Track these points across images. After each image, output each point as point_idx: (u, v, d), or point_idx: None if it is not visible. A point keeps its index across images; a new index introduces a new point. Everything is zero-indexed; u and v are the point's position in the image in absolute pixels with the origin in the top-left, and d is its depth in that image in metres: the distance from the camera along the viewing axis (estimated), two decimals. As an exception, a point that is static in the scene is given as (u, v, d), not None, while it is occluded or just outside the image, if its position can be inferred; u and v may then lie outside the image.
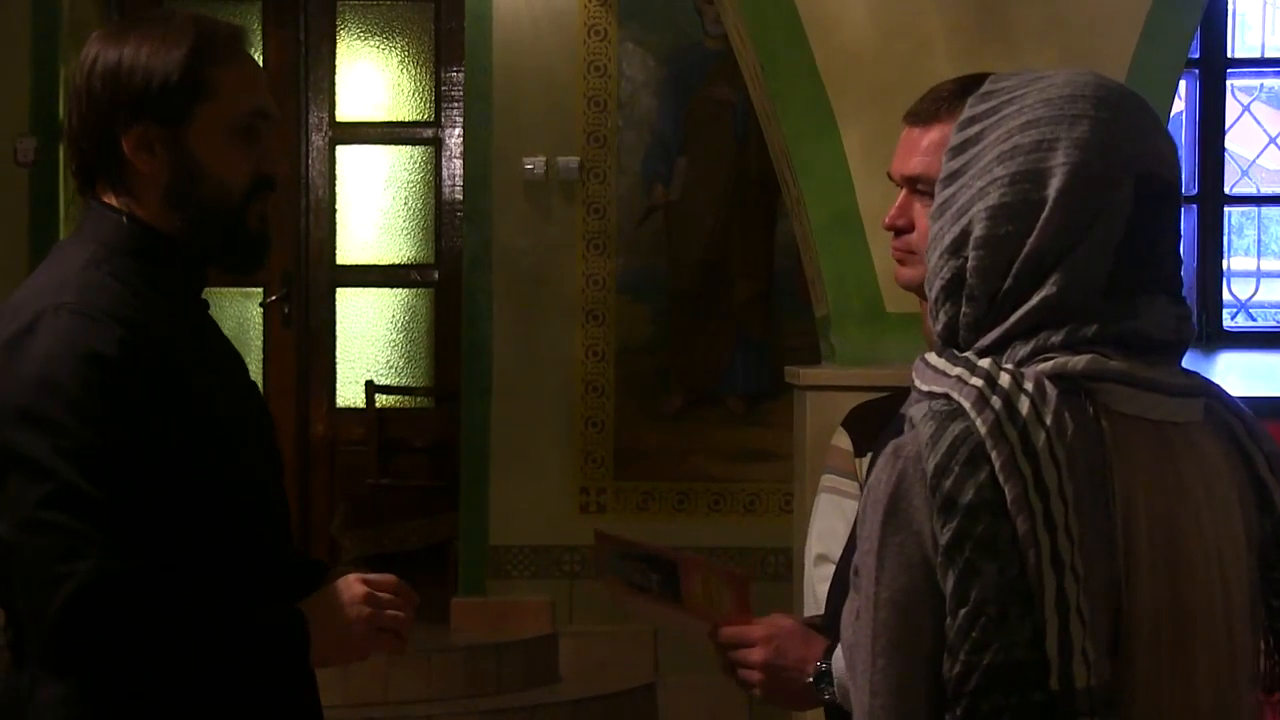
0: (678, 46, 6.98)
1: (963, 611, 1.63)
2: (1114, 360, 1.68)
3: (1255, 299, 6.85)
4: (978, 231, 1.71)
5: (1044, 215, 1.70)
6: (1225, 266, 6.77)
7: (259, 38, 7.54)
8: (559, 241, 7.03)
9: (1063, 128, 1.71)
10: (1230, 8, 6.76)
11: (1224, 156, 6.73)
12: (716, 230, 6.97)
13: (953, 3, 4.56)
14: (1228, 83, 6.72)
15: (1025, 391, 1.66)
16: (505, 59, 6.97)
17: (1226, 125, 6.73)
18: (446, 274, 7.53)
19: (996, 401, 1.66)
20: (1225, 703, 1.68)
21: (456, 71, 7.41)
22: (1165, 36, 4.59)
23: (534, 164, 6.96)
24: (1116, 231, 1.71)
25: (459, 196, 7.39)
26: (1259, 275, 6.91)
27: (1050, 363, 1.68)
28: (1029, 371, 1.68)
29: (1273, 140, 6.83)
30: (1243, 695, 1.70)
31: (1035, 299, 1.70)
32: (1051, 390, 1.66)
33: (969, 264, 1.72)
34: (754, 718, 6.70)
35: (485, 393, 7.04)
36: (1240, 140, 6.83)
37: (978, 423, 1.66)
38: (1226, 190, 6.72)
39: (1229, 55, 6.76)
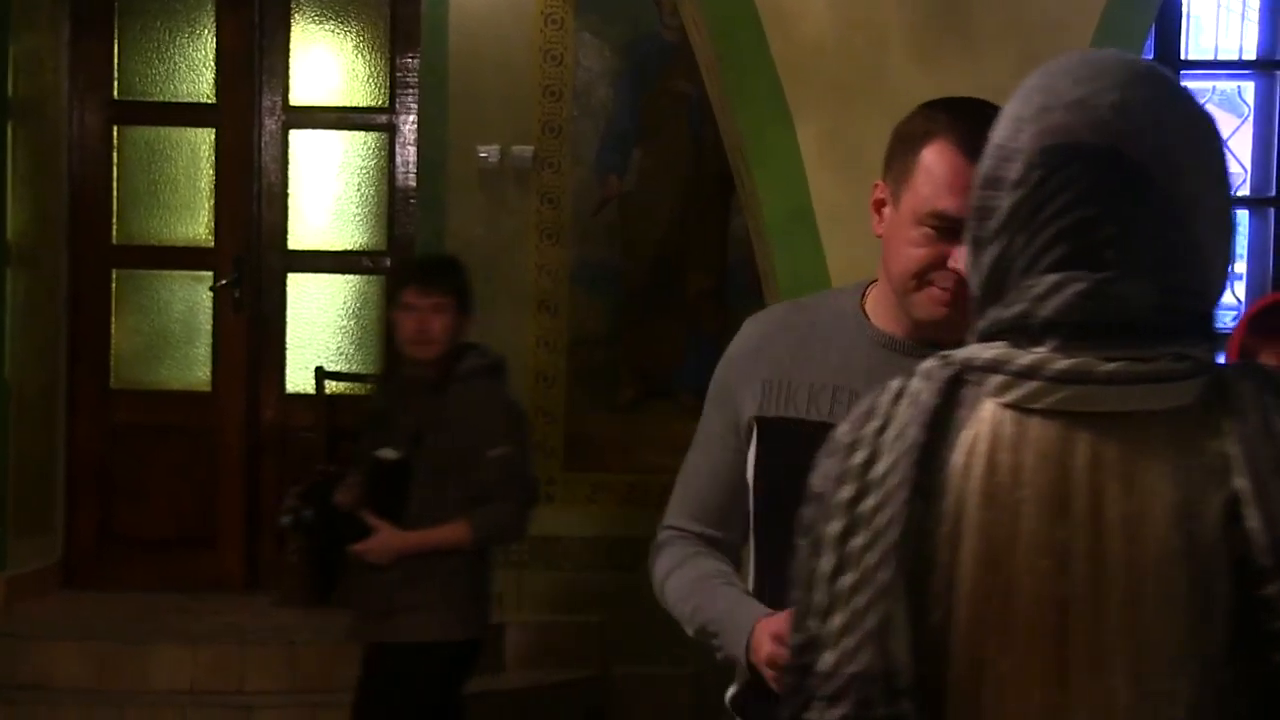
0: (635, 37, 6.97)
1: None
2: (995, 348, 1.62)
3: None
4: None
5: (973, 204, 1.68)
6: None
7: (213, 20, 7.49)
8: (513, 231, 7.01)
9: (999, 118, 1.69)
10: (1184, 9, 6.79)
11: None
12: (671, 223, 6.97)
13: (911, -1, 4.57)
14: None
15: (909, 385, 1.66)
16: (461, 46, 6.95)
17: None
18: (399, 261, 7.50)
19: (885, 396, 1.68)
20: None
21: (412, 58, 7.37)
22: (1121, 36, 4.60)
23: (489, 152, 6.94)
24: (1015, 209, 1.63)
25: (412, 183, 7.36)
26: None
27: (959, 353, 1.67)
28: (939, 364, 1.67)
29: (1224, 142, 6.86)
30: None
31: (974, 287, 1.68)
32: (929, 383, 1.65)
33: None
34: (699, 708, 6.70)
35: (436, 381, 7.00)
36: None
37: (858, 412, 1.69)
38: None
39: (1182, 57, 6.79)
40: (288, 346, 7.60)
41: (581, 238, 6.98)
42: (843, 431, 1.70)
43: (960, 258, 2.20)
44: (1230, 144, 6.86)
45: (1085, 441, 1.57)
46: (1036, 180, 1.61)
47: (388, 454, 4.93)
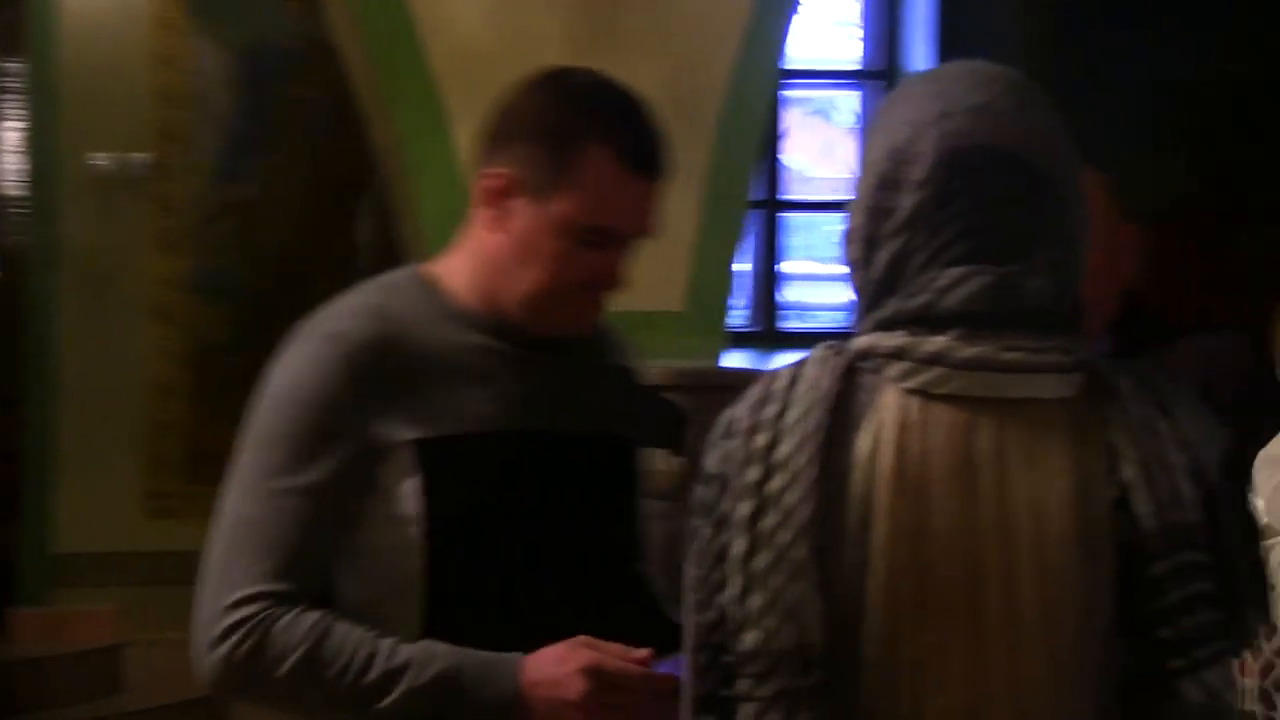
0: (256, 43, 6.88)
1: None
2: (896, 337, 1.71)
3: (809, 301, 7.22)
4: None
5: (860, 201, 1.76)
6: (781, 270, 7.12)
7: None
8: (129, 240, 6.84)
9: (881, 115, 1.80)
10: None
11: (778, 165, 7.04)
12: (295, 231, 6.90)
13: (566, 6, 4.67)
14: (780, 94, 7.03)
15: (803, 371, 1.74)
16: (73, 51, 6.74)
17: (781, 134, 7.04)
18: (7, 274, 7.21)
19: (779, 382, 1.74)
20: (1014, 693, 1.66)
21: (16, 62, 7.11)
22: (764, 45, 4.81)
23: (102, 160, 6.76)
24: (917, 208, 1.72)
25: (21, 192, 7.09)
26: (816, 279, 7.28)
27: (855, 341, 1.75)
28: (829, 351, 1.74)
29: (821, 151, 7.21)
30: (1054, 693, 1.66)
31: (861, 281, 1.76)
32: (825, 369, 1.72)
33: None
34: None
35: (50, 395, 6.79)
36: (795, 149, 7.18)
37: (751, 398, 1.75)
38: (782, 197, 7.03)
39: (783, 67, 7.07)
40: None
41: (201, 246, 6.86)
42: (738, 416, 1.76)
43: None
44: (835, 153, 7.20)
45: (989, 425, 1.66)
46: (941, 180, 1.71)
47: None
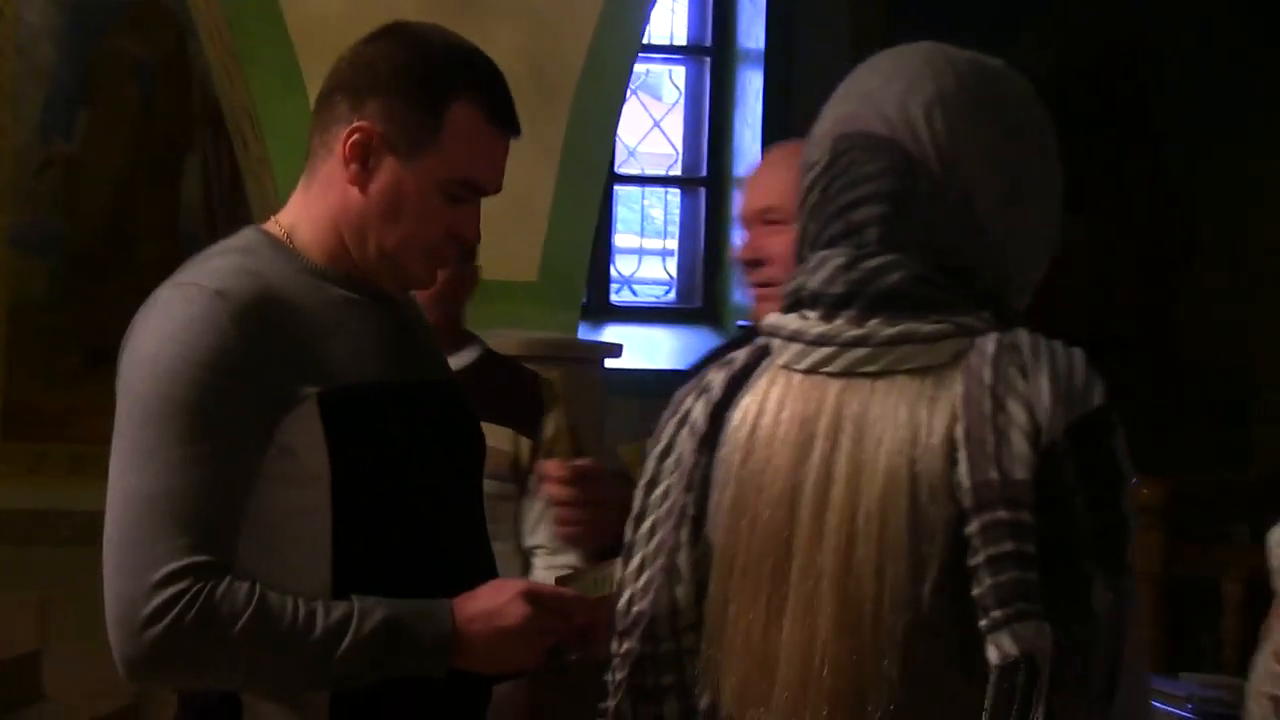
0: (82, -5, 6.73)
1: None
2: (778, 316, 1.81)
3: (637, 275, 7.28)
4: None
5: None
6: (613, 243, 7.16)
7: None
8: (-54, 193, 6.66)
9: None
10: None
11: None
12: (119, 188, 6.76)
13: (426, -27, 4.66)
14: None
15: (738, 354, 1.85)
16: (-110, -4, 6.55)
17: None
18: None
19: (717, 365, 1.87)
20: (804, 653, 1.71)
21: None
22: (622, 16, 4.85)
23: (-82, 109, 6.57)
24: (807, 191, 1.81)
25: None
26: (640, 253, 7.34)
27: None
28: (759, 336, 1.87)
29: (657, 124, 7.25)
30: (851, 655, 1.68)
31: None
32: (746, 347, 1.83)
33: None
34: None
35: None
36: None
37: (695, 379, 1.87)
38: (615, 170, 7.07)
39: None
40: None
41: (22, 201, 6.68)
42: (682, 389, 1.86)
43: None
44: (663, 126, 7.25)
45: (833, 398, 1.73)
46: (825, 164, 1.80)
47: None
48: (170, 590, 2.16)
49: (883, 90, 1.79)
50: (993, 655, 1.60)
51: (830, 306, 1.75)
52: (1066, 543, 1.62)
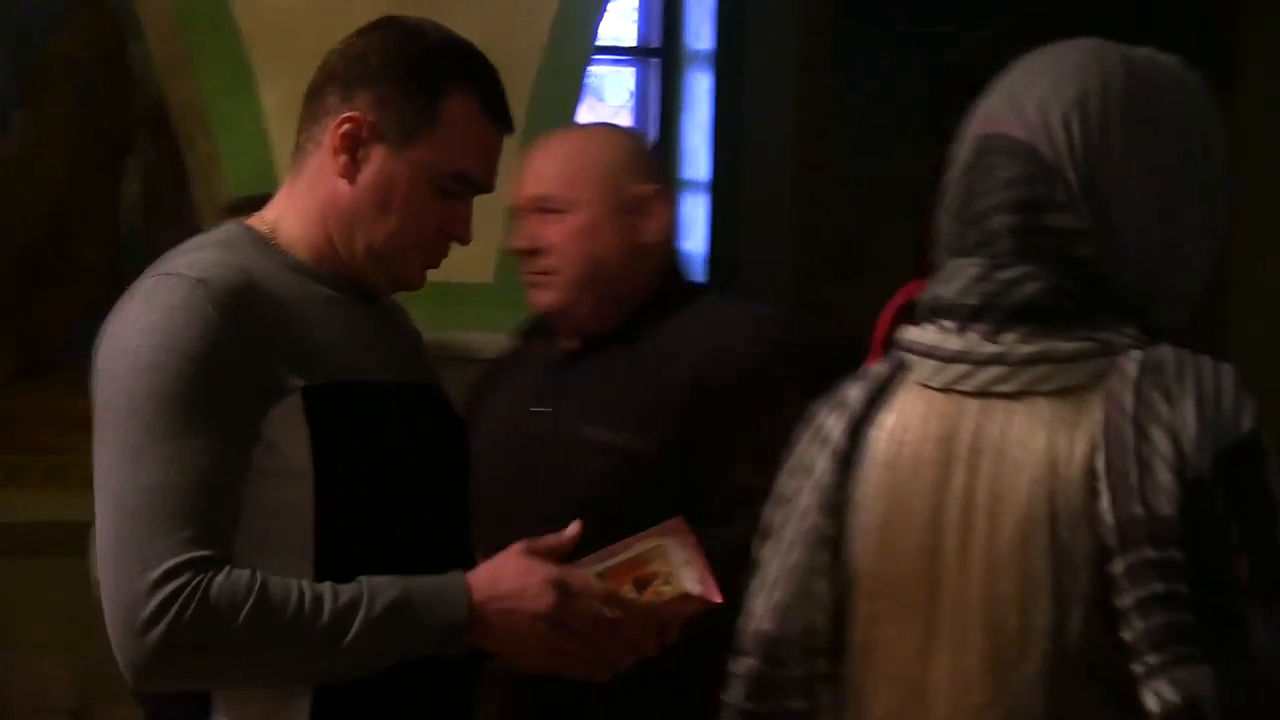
0: (17, -5, 6.62)
1: None
2: (915, 330, 1.75)
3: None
4: None
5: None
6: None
7: None
8: (-125, 195, 6.53)
9: None
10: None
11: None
12: (58, 189, 6.65)
13: (378, -34, 4.57)
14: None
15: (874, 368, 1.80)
16: None
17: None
18: None
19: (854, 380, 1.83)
20: (954, 685, 1.67)
21: None
22: (581, 9, 4.80)
23: None
24: (951, 193, 1.76)
25: None
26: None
27: None
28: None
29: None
30: (997, 687, 1.65)
31: None
32: (883, 362, 1.78)
33: None
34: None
35: None
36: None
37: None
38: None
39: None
40: None
41: (-44, 203, 6.57)
42: (818, 405, 1.83)
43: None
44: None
45: (970, 420, 1.67)
46: (964, 166, 1.74)
47: None
48: (169, 588, 2.08)
49: (1026, 90, 1.73)
50: (1152, 703, 1.55)
51: (964, 318, 1.70)
52: (1220, 579, 1.56)
